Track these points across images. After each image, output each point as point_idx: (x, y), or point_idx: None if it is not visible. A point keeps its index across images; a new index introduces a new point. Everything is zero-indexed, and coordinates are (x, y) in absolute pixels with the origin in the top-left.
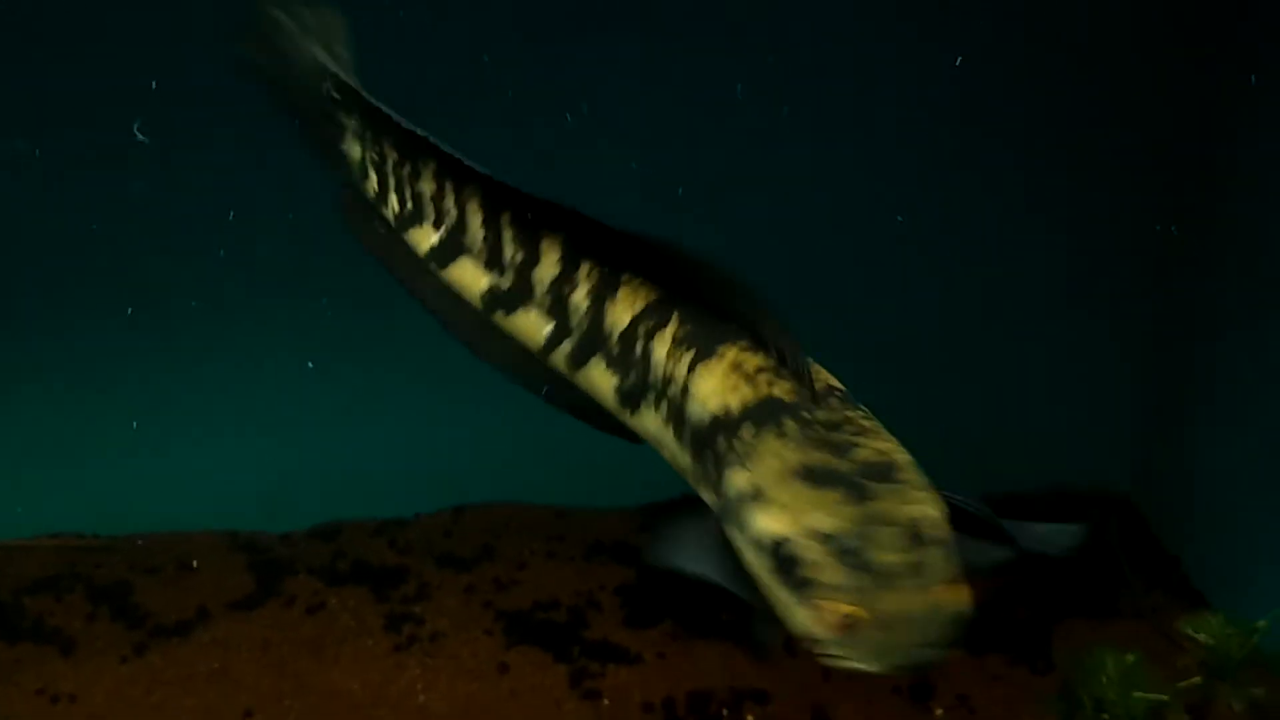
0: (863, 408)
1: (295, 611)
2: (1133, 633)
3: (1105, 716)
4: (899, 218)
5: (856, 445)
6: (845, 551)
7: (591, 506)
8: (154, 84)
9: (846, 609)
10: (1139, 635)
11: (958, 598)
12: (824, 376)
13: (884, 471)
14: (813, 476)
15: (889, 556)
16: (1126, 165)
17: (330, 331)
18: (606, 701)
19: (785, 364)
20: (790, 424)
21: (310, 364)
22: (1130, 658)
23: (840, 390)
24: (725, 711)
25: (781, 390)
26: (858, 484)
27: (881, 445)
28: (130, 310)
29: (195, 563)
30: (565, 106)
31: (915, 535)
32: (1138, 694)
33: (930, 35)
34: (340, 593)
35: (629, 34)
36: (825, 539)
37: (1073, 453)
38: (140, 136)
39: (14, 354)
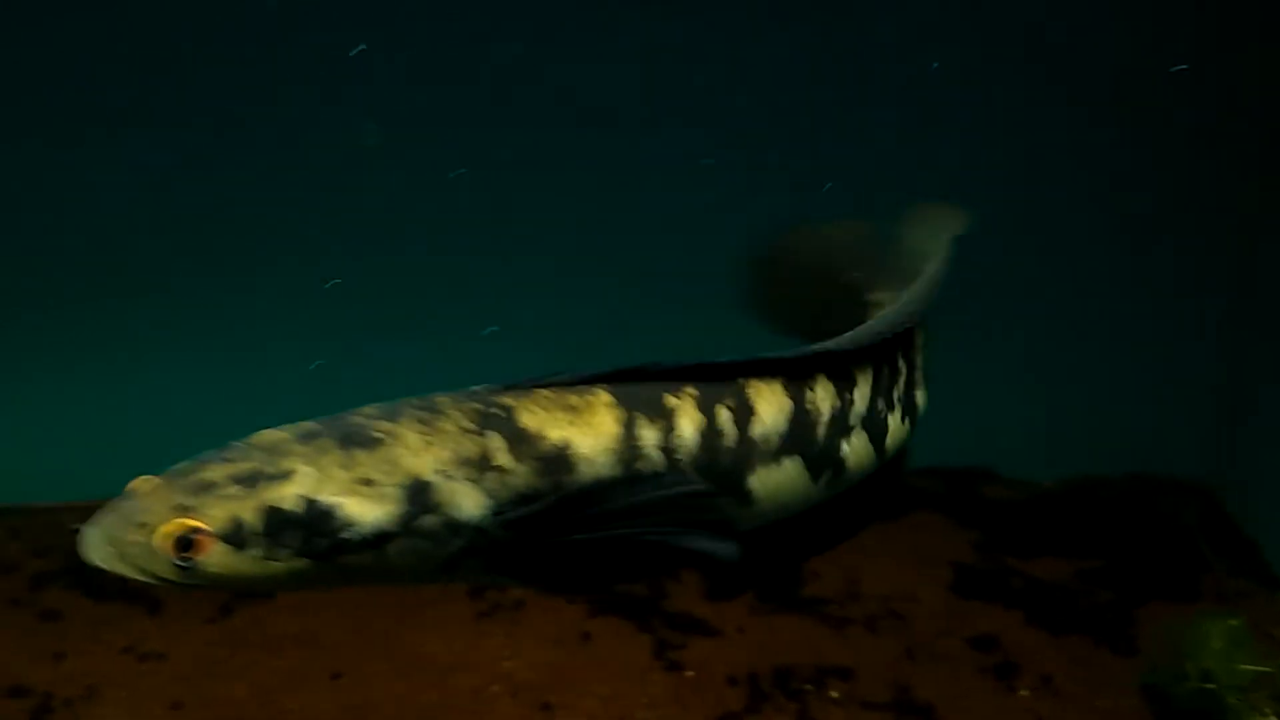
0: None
1: None
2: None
3: (1210, 686)
4: (827, 185)
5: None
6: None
7: None
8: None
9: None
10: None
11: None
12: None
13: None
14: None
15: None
16: (1209, 163)
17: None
18: (690, 673)
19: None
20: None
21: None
22: (1234, 622)
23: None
24: (809, 687)
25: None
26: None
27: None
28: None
29: None
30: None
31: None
32: (1243, 665)
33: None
34: None
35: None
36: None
37: (1155, 441)
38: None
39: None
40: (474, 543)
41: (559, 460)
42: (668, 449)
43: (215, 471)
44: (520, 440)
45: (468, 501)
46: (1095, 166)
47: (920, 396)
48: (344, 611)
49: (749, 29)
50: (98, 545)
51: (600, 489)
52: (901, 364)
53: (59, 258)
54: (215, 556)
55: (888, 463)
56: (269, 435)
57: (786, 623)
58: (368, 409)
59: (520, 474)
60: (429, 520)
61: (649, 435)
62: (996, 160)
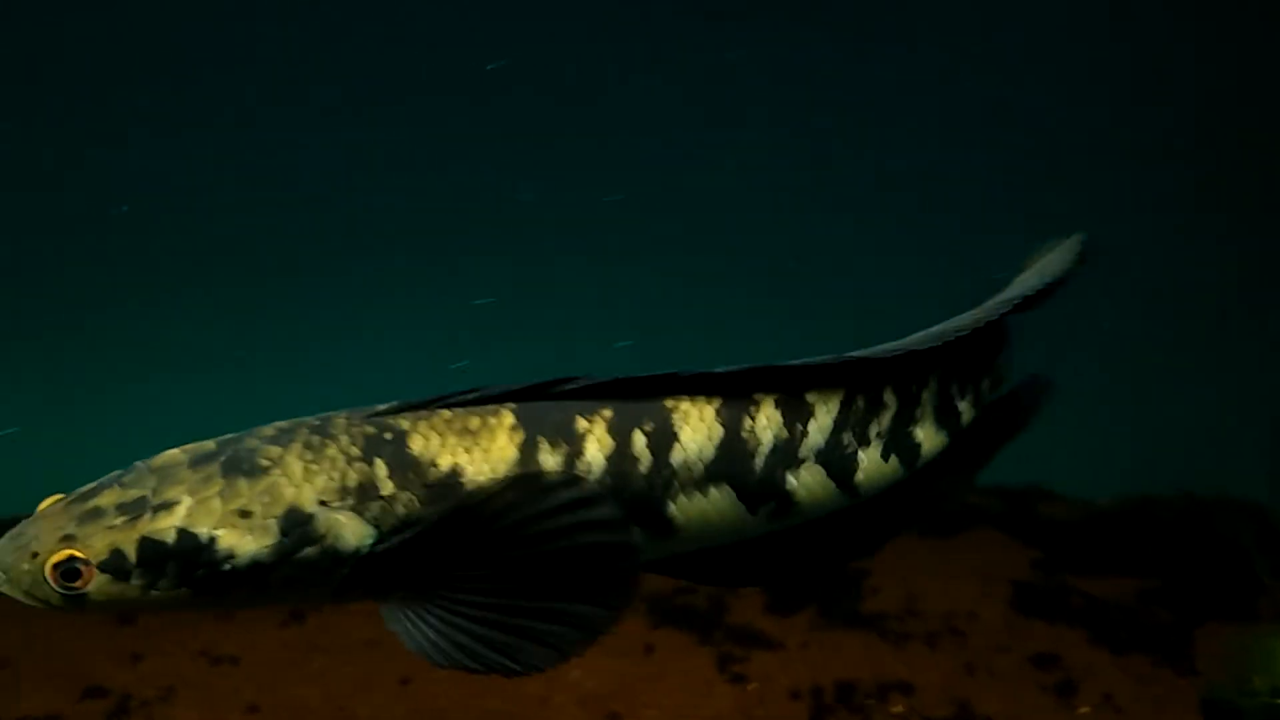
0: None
1: None
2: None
3: None
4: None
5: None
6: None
7: None
8: None
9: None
10: None
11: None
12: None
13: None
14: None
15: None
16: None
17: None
18: (753, 686)
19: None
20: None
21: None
22: None
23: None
24: (871, 701)
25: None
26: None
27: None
28: None
29: None
30: None
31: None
32: None
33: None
34: None
35: None
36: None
37: (1211, 461)
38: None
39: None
40: (361, 570)
41: (448, 488)
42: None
43: (106, 498)
44: (407, 467)
45: (349, 533)
46: (1155, 192)
47: (925, 434)
48: None
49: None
50: None
51: (476, 510)
52: (890, 397)
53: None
54: (98, 586)
55: (914, 489)
56: (168, 456)
57: (848, 638)
58: (267, 429)
59: (405, 502)
60: (310, 551)
61: (549, 461)
62: (1064, 186)
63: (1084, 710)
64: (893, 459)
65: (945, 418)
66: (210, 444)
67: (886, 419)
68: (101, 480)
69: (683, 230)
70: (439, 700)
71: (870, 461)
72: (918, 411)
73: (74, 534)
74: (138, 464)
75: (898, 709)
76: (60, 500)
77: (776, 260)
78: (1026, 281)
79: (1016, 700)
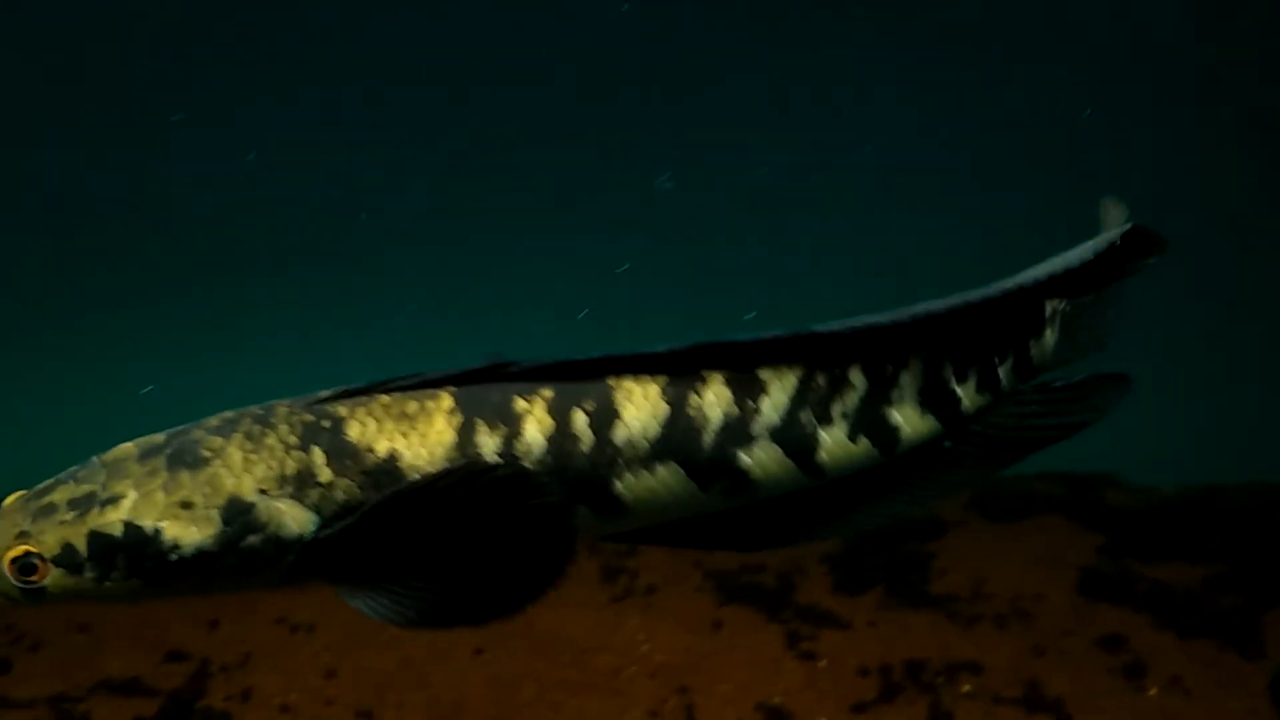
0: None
1: None
2: None
3: None
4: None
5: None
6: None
7: None
8: None
9: None
10: None
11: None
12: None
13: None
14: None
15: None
16: None
17: None
18: (823, 663)
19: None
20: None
21: None
22: None
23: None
24: (940, 680)
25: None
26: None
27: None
28: None
29: None
30: None
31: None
32: None
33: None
34: None
35: None
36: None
37: (1275, 448)
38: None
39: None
40: (307, 556)
41: (386, 473)
42: (509, 457)
43: (60, 494)
44: (345, 454)
45: (290, 520)
46: (1227, 182)
47: (906, 417)
48: None
49: None
50: None
51: (410, 494)
52: (858, 376)
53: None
54: (53, 580)
55: (901, 470)
56: (120, 450)
57: (915, 618)
58: (213, 419)
59: (344, 489)
60: (253, 539)
61: (488, 443)
62: (1136, 176)
63: (1152, 692)
64: (863, 440)
65: (935, 401)
66: (160, 436)
67: (853, 398)
68: (59, 475)
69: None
70: (512, 669)
71: (834, 442)
72: (894, 393)
73: (29, 530)
74: (93, 459)
75: (967, 688)
76: (20, 496)
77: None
78: (1050, 263)
79: (1085, 681)
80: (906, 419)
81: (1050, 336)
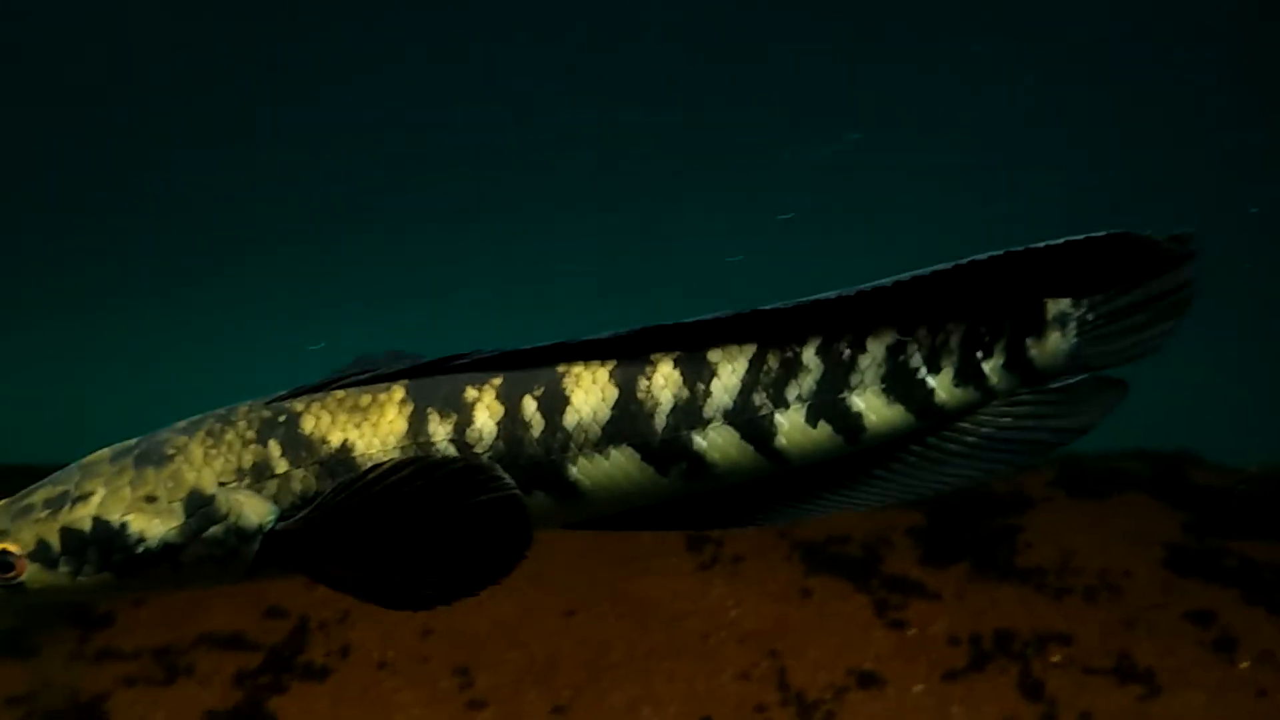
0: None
1: None
2: None
3: None
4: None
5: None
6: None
7: None
8: None
9: None
10: None
11: None
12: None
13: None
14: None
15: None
16: None
17: None
18: (912, 632)
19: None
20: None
21: None
22: None
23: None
24: (1029, 650)
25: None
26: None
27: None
28: None
29: None
30: None
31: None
32: None
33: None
34: None
35: None
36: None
37: None
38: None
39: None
40: (271, 547)
41: (340, 462)
42: (462, 444)
43: (38, 495)
44: (299, 446)
45: (249, 510)
46: None
47: (869, 404)
48: (571, 557)
49: None
50: None
51: (367, 488)
52: (812, 358)
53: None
54: (31, 575)
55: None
56: (96, 455)
57: (1003, 591)
58: (181, 422)
59: (300, 479)
60: (215, 530)
61: (440, 430)
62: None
63: (1244, 665)
64: (824, 426)
65: (901, 391)
66: (132, 440)
67: (808, 381)
68: (41, 480)
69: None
70: (603, 633)
71: (792, 426)
72: (853, 377)
73: (6, 529)
74: (71, 464)
75: (1056, 658)
76: (4, 502)
77: None
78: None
79: (1175, 654)
80: (870, 406)
81: (1058, 338)
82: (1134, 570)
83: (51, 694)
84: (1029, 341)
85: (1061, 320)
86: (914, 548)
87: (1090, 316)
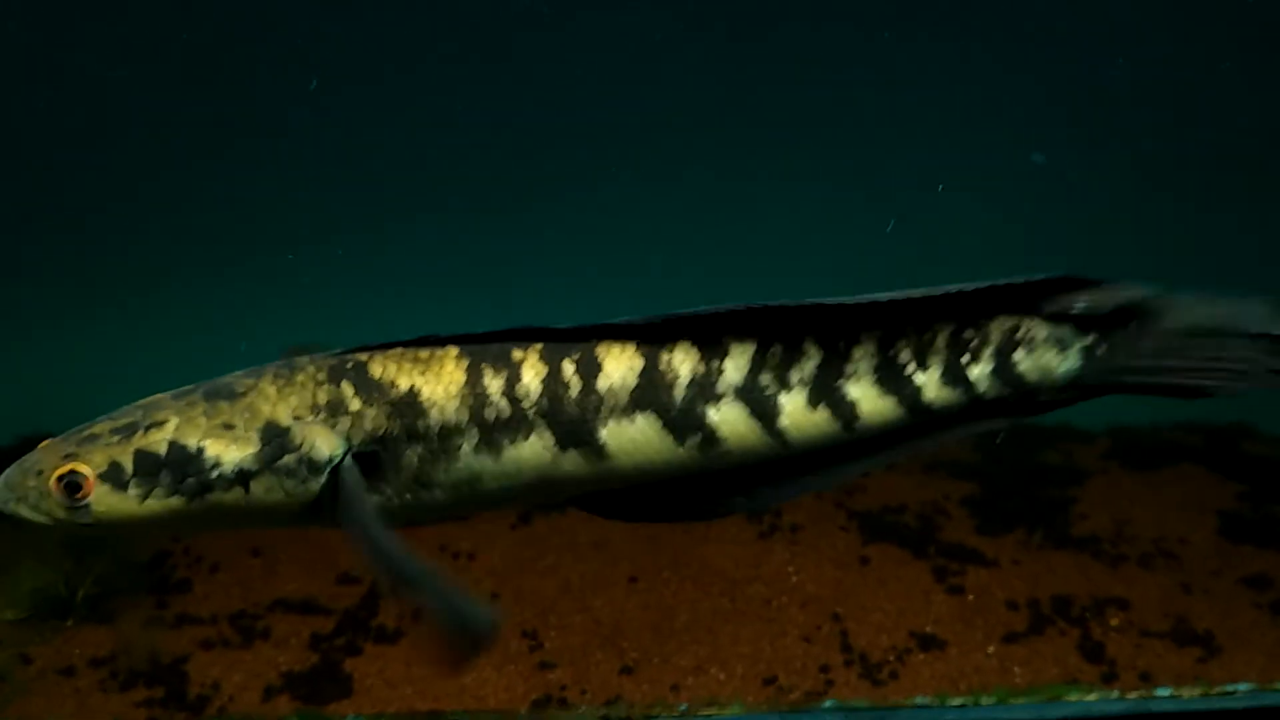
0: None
1: None
2: None
3: None
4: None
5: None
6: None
7: None
8: None
9: None
10: None
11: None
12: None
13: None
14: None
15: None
16: None
17: None
18: (971, 597)
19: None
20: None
21: None
22: None
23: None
24: (1087, 614)
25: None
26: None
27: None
28: None
29: None
30: None
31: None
32: None
33: None
34: None
35: None
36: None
37: None
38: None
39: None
40: (334, 483)
41: (409, 405)
42: (513, 397)
43: (100, 427)
44: (371, 388)
45: (322, 442)
46: None
47: (863, 393)
48: (632, 526)
49: None
50: (2, 492)
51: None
52: (812, 347)
53: None
54: (99, 496)
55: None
56: (153, 398)
57: (1059, 558)
58: (238, 372)
59: (371, 417)
60: (289, 459)
61: (494, 383)
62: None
63: None
64: (822, 409)
65: (892, 384)
66: (188, 387)
67: (809, 366)
68: (91, 420)
69: None
70: (667, 598)
71: (794, 407)
72: (848, 367)
73: (75, 452)
74: (124, 406)
75: (1115, 622)
76: (57, 438)
77: None
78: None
79: (1233, 617)
80: (864, 395)
81: (1048, 355)
82: (1189, 538)
83: (133, 655)
84: (1017, 355)
85: (1061, 342)
86: (969, 517)
87: (1098, 347)
